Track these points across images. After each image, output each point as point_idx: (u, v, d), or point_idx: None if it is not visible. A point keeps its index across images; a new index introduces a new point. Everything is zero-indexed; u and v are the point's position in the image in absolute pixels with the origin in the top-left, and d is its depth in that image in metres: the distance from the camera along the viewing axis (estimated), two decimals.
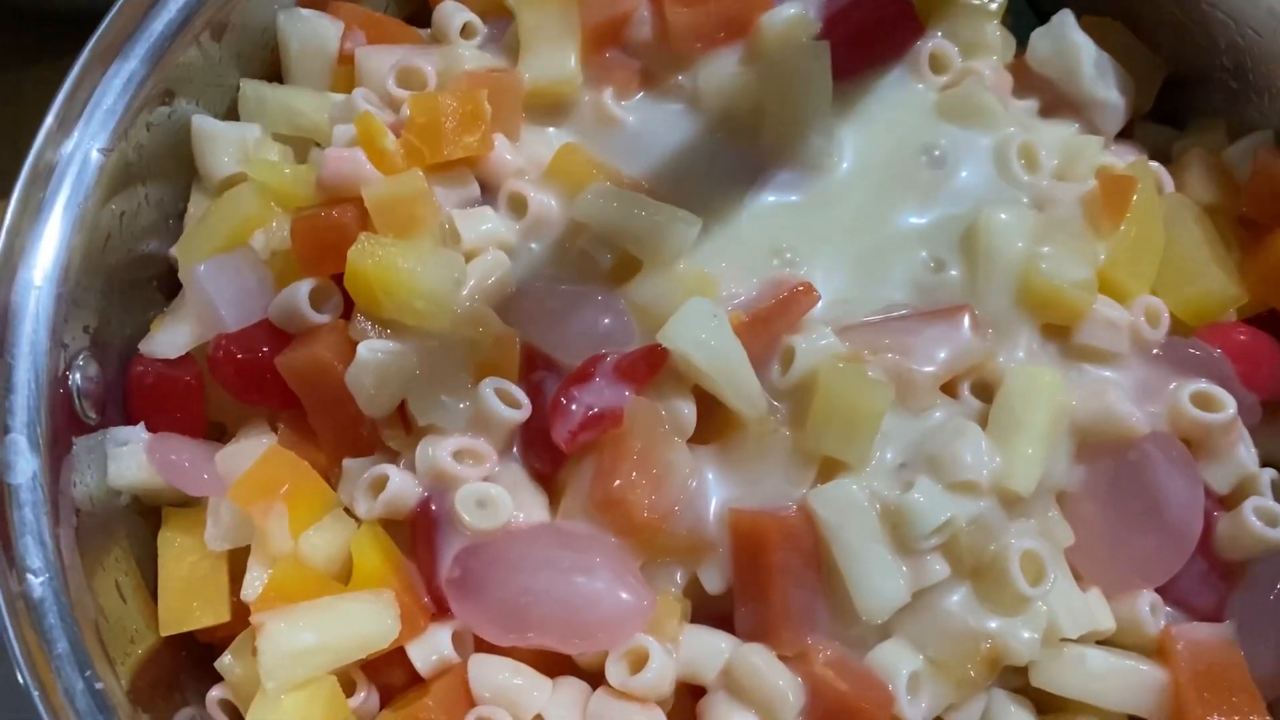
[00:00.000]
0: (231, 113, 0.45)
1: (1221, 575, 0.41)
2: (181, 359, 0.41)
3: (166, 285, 0.44)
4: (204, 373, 0.41)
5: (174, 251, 0.43)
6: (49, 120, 0.39)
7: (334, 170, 0.40)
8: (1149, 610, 0.40)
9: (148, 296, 0.44)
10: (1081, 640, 0.39)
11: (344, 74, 0.45)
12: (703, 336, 0.38)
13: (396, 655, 0.37)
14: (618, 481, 0.37)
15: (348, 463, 0.40)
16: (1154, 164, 0.44)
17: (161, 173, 0.43)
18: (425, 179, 0.40)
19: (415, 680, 0.38)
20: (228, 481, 0.39)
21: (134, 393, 0.41)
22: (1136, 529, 0.40)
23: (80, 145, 0.39)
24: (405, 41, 0.46)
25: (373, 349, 0.38)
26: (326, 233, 0.39)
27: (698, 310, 0.39)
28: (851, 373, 0.39)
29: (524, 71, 0.43)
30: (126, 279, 0.42)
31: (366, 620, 0.36)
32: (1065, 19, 0.45)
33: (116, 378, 0.42)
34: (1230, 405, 0.40)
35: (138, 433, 0.40)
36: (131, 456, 0.40)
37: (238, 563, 0.39)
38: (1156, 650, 0.40)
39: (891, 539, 0.38)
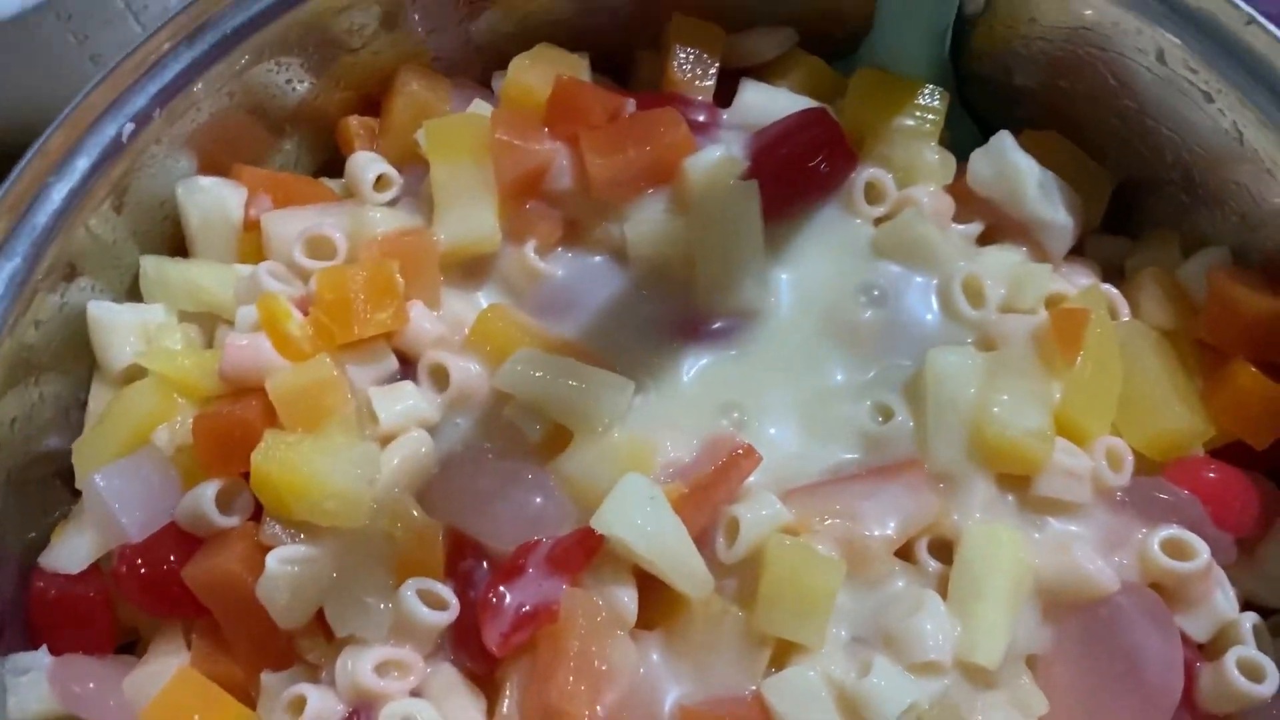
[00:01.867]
0: (134, 292, 0.43)
1: None
2: (85, 572, 0.38)
3: (70, 480, 0.41)
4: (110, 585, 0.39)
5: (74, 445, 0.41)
6: None
7: (235, 360, 0.38)
8: None
9: (50, 495, 0.41)
10: None
11: (250, 241, 0.43)
12: (639, 521, 0.36)
13: None
14: (556, 689, 0.35)
15: (266, 678, 0.37)
16: (1107, 287, 0.42)
17: (58, 364, 0.40)
18: (336, 360, 0.38)
19: None
20: (137, 709, 0.36)
21: (35, 611, 0.39)
22: (1114, 691, 0.37)
23: None
24: (315, 200, 0.44)
25: (283, 560, 0.36)
26: (230, 431, 0.37)
27: (633, 490, 0.36)
28: (799, 550, 0.36)
29: (439, 232, 0.41)
30: (24, 480, 0.40)
31: None
32: (1004, 140, 0.43)
33: (16, 593, 0.39)
34: (1203, 551, 0.38)
35: (39, 658, 0.38)
36: (33, 687, 0.37)
37: None
38: None
39: None
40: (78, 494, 0.41)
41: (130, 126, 0.40)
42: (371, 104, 0.47)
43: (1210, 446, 0.40)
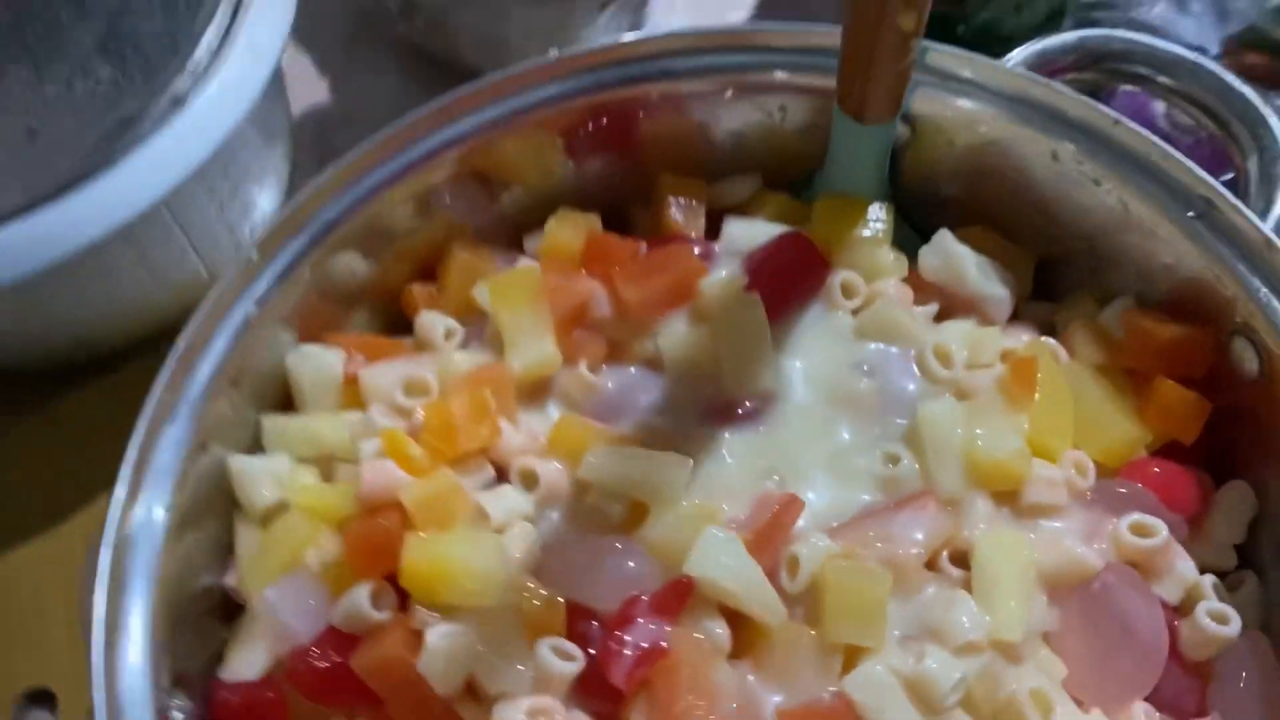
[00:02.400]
0: (254, 446, 0.50)
1: (1195, 675, 0.47)
2: (261, 680, 0.45)
3: (220, 615, 0.48)
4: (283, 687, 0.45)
5: (228, 582, 0.48)
6: (120, 491, 0.44)
7: (372, 483, 0.45)
8: (1147, 716, 0.45)
9: (209, 627, 0.48)
10: None
11: (350, 393, 0.51)
12: (723, 560, 0.44)
13: None
14: (678, 708, 0.42)
15: None
16: (1046, 339, 0.53)
17: (209, 514, 0.48)
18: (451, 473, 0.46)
19: None
20: None
21: (220, 719, 0.45)
22: (1115, 650, 0.46)
23: (149, 509, 0.44)
24: (395, 354, 0.52)
25: (440, 635, 0.43)
26: (376, 539, 0.44)
27: (714, 538, 0.45)
28: (853, 567, 0.45)
29: (512, 361, 0.50)
30: (191, 615, 0.46)
31: None
32: (944, 236, 0.53)
33: (199, 710, 0.45)
34: (1162, 529, 0.47)
35: None
36: None
37: None
38: None
39: (919, 706, 0.43)
40: (229, 621, 0.48)
41: (254, 309, 0.49)
42: (427, 272, 0.56)
43: (1151, 448, 0.50)
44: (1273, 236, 0.46)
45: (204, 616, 0.48)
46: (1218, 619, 0.46)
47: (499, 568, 0.44)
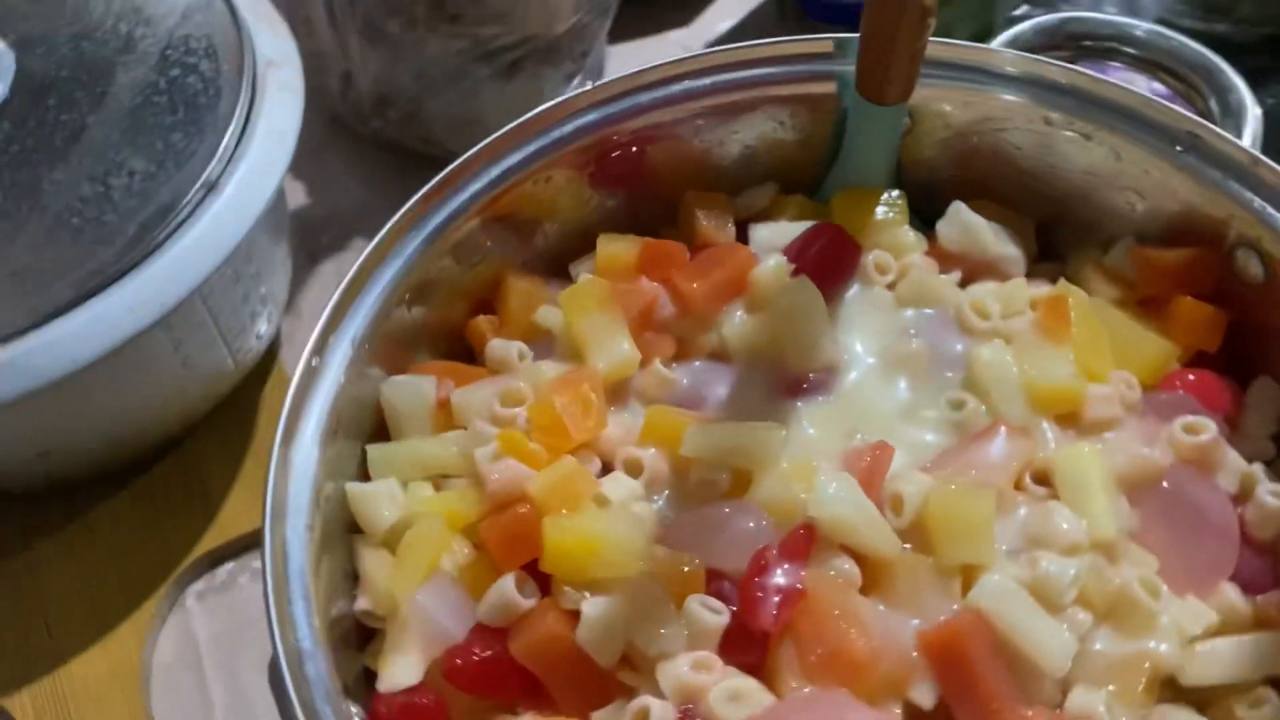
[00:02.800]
0: (359, 475, 0.52)
1: (1266, 553, 0.51)
2: (418, 685, 0.46)
3: (354, 639, 0.49)
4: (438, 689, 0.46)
5: (360, 606, 0.48)
6: (267, 512, 0.45)
7: (499, 480, 0.47)
8: (1236, 594, 0.49)
9: (345, 656, 0.48)
10: (1203, 637, 0.48)
11: (441, 417, 0.53)
12: (842, 498, 0.47)
13: None
14: (829, 637, 0.45)
15: (596, 715, 0.45)
16: (1064, 282, 0.58)
17: (333, 545, 0.49)
18: None
19: None
20: None
21: None
22: (1194, 539, 0.50)
23: (291, 526, 0.45)
24: (477, 379, 0.54)
25: (594, 606, 0.45)
26: (515, 529, 0.46)
27: (830, 481, 0.48)
28: (957, 491, 0.48)
29: (598, 362, 0.53)
30: (330, 642, 0.47)
31: None
32: (958, 207, 0.59)
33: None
34: (1212, 425, 0.52)
35: None
36: None
37: None
38: (1255, 623, 0.49)
39: (1042, 606, 0.46)
40: (363, 645, 0.49)
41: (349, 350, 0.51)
42: (482, 305, 0.59)
43: (1181, 361, 0.55)
44: (1256, 153, 0.52)
45: (340, 643, 0.48)
46: (1278, 496, 0.51)
47: (639, 537, 0.46)
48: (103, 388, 0.62)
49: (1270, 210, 0.52)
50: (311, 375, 0.49)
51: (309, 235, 0.84)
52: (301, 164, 0.90)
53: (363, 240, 0.85)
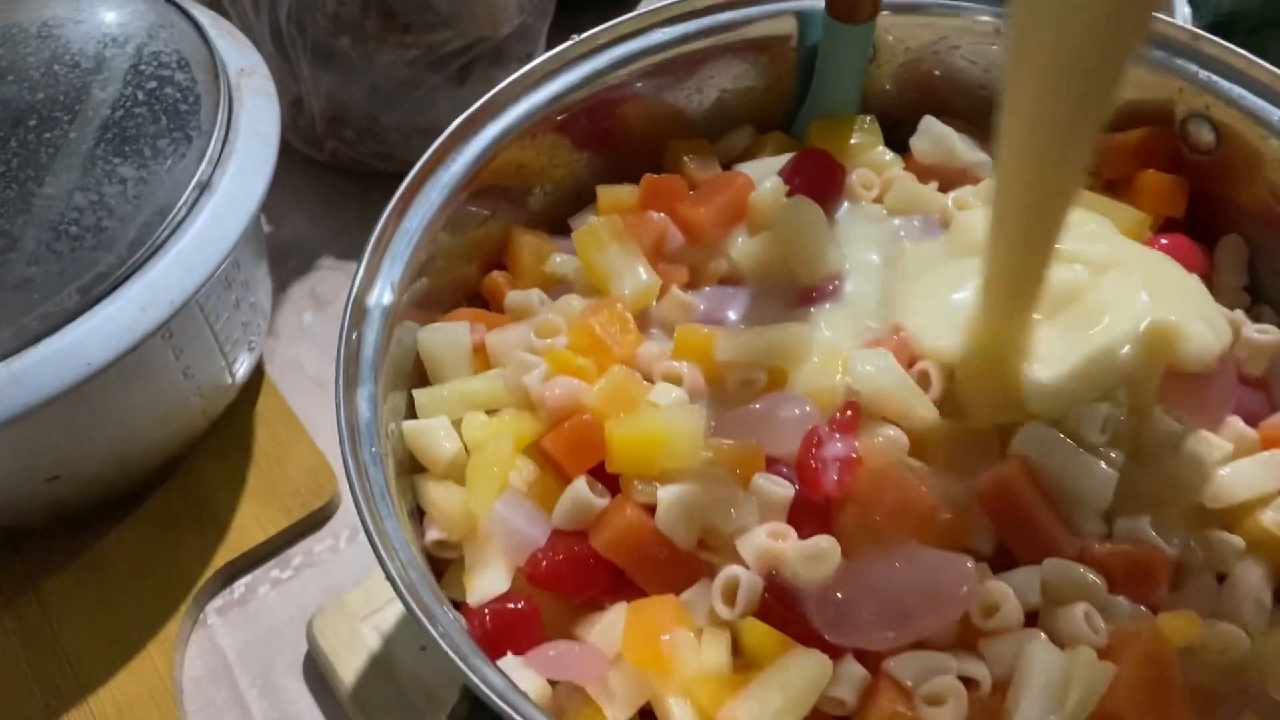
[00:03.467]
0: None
1: (1259, 387, 0.55)
2: (507, 593, 0.47)
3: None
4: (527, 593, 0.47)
5: (430, 538, 0.49)
6: (344, 439, 0.45)
7: (557, 395, 0.49)
8: (1241, 425, 0.53)
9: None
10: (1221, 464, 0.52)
11: (478, 360, 0.54)
12: (881, 368, 0.50)
13: None
14: (887, 499, 0.47)
15: (684, 596, 0.46)
16: None
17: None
18: None
19: None
20: (609, 652, 0.44)
21: (483, 644, 0.46)
22: (1201, 382, 0.54)
23: (367, 452, 0.46)
24: (504, 323, 0.56)
25: (670, 493, 0.46)
26: (580, 434, 0.48)
27: (866, 355, 0.50)
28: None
29: (623, 290, 0.55)
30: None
31: (809, 672, 0.43)
32: (929, 120, 0.62)
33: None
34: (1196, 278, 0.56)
35: (510, 661, 0.45)
36: (525, 680, 0.44)
37: None
38: (1263, 446, 0.53)
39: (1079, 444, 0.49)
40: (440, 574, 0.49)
41: (390, 296, 0.52)
42: (492, 265, 0.61)
43: (1153, 229, 0.60)
44: (1194, 29, 0.57)
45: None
46: (1263, 333, 0.55)
47: (700, 426, 0.48)
48: (110, 401, 0.62)
49: (1215, 79, 0.57)
50: (358, 326, 0.50)
51: (276, 262, 0.85)
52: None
53: (332, 260, 0.86)
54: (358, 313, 0.50)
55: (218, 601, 0.69)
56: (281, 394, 0.76)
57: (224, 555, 0.69)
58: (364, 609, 0.63)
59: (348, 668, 0.62)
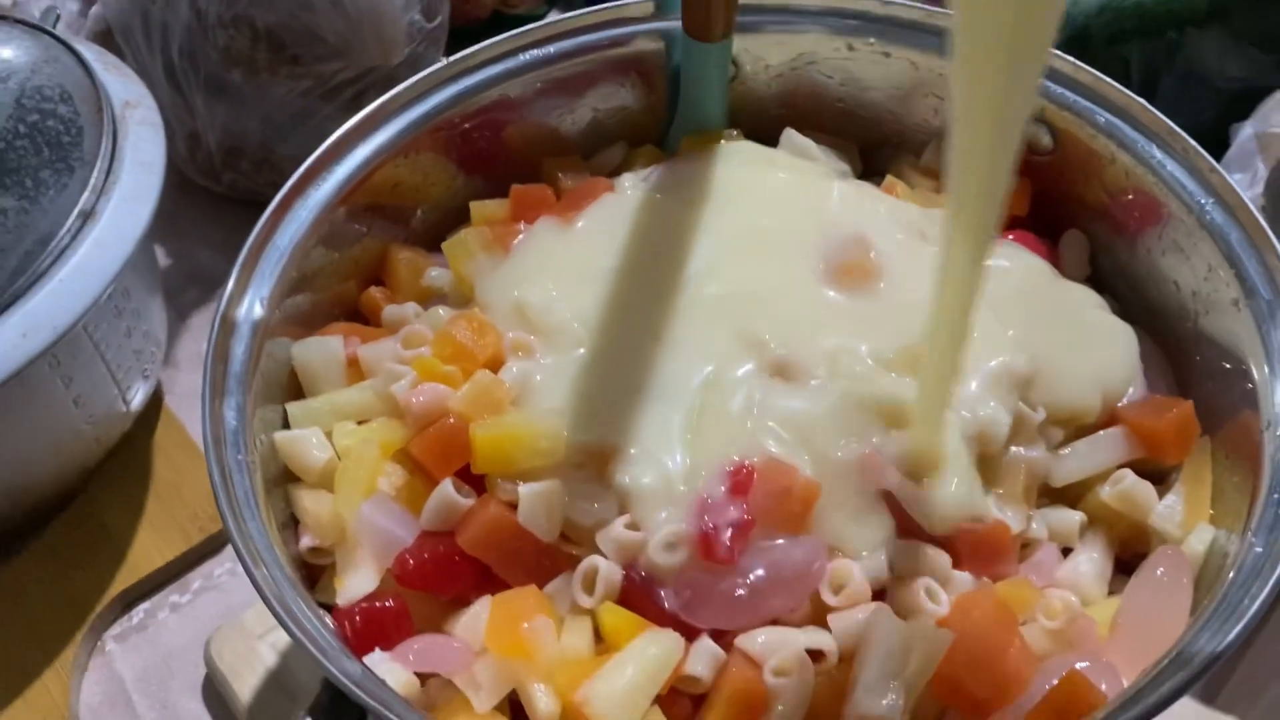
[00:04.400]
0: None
1: None
2: (375, 593, 0.48)
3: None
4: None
5: (304, 545, 0.51)
6: (208, 444, 0.47)
7: (422, 401, 0.51)
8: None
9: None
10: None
11: (351, 373, 0.56)
12: None
13: None
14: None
15: (548, 588, 0.48)
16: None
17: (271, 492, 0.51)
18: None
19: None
20: (475, 643, 0.46)
21: (353, 642, 0.47)
22: None
23: (232, 458, 0.47)
24: (380, 337, 0.58)
25: (531, 490, 0.48)
26: (446, 437, 0.50)
27: None
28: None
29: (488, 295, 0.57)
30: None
31: (661, 649, 0.44)
32: (789, 133, 0.64)
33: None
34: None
35: (377, 657, 0.46)
36: (390, 673, 0.45)
37: None
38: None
39: None
40: (314, 581, 0.51)
41: (260, 310, 0.53)
42: (371, 281, 0.62)
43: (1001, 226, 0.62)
44: None
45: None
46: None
47: (560, 426, 0.50)
48: None
49: (1049, 84, 0.60)
50: (226, 339, 0.52)
51: (174, 293, 0.86)
52: (157, 228, 0.92)
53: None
54: (225, 326, 0.51)
55: (116, 629, 0.70)
56: (181, 422, 0.77)
57: (121, 581, 0.70)
58: (260, 627, 0.64)
59: (245, 685, 0.63)
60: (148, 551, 0.71)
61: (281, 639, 0.64)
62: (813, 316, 0.54)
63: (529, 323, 0.54)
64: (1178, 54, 0.80)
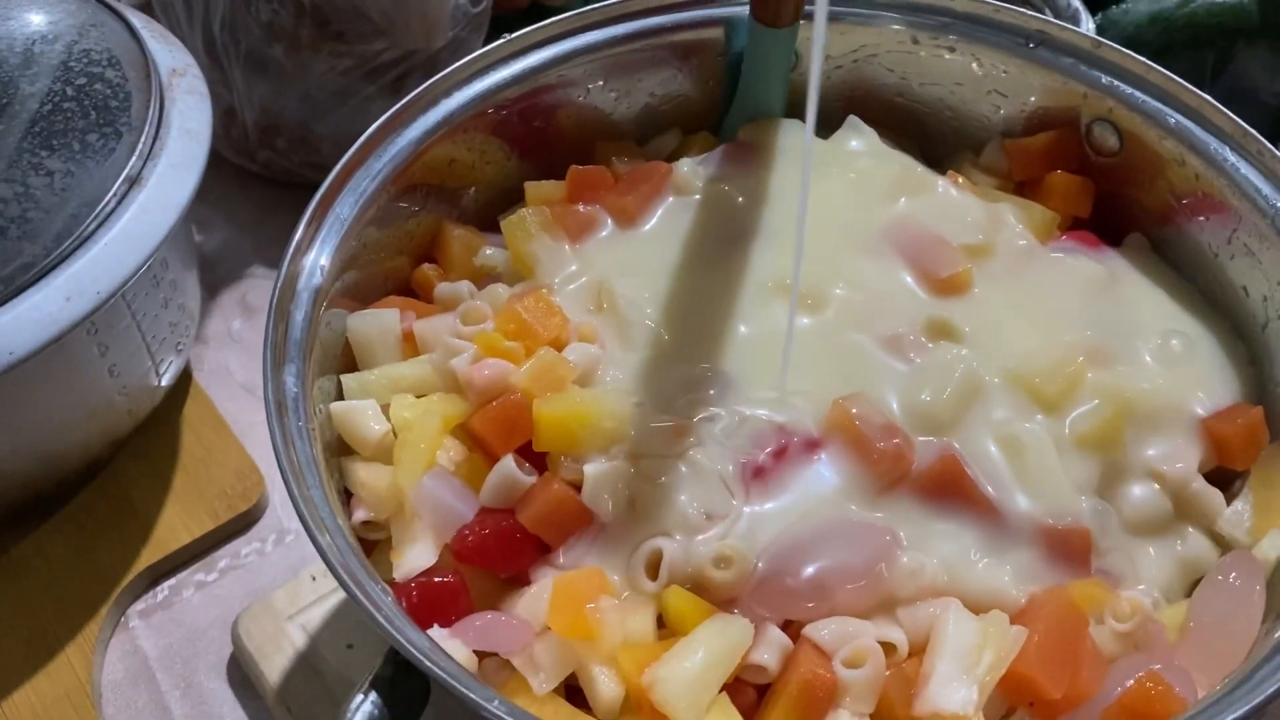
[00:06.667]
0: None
1: None
2: (434, 567, 0.47)
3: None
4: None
5: (358, 518, 0.49)
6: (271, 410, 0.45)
7: (485, 376, 0.50)
8: None
9: None
10: None
11: (408, 345, 0.55)
12: None
13: None
14: None
15: (609, 570, 0.47)
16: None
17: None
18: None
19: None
20: (536, 623, 0.45)
21: (411, 615, 0.46)
22: None
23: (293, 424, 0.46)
24: (435, 312, 0.57)
25: (596, 466, 0.47)
26: (508, 414, 0.49)
27: None
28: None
29: (549, 280, 0.56)
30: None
31: (731, 635, 0.43)
32: (853, 119, 0.64)
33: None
34: None
35: (438, 632, 0.45)
36: (453, 652, 0.44)
37: None
38: None
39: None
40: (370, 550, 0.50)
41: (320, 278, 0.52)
42: (423, 258, 0.61)
43: (1061, 228, 0.62)
44: (1098, 37, 0.60)
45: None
46: None
47: (625, 404, 0.49)
48: (33, 395, 0.62)
49: (1118, 84, 0.60)
50: (286, 305, 0.51)
51: (205, 270, 0.85)
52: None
53: (262, 269, 0.86)
54: (287, 291, 0.50)
55: (140, 604, 0.68)
56: (210, 399, 0.76)
57: (147, 558, 0.69)
58: (290, 608, 0.63)
59: (273, 666, 0.62)
60: (174, 528, 0.70)
61: (311, 620, 0.63)
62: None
63: (610, 310, 0.53)
64: (1226, 67, 0.80)
